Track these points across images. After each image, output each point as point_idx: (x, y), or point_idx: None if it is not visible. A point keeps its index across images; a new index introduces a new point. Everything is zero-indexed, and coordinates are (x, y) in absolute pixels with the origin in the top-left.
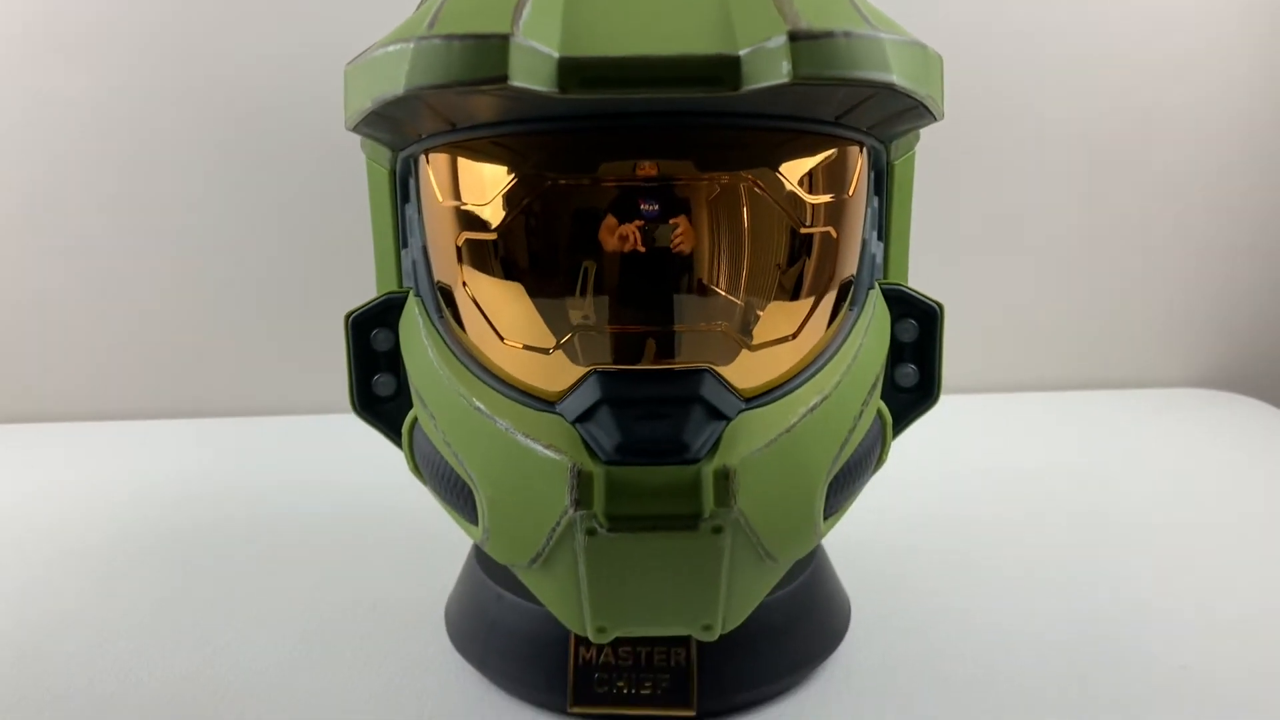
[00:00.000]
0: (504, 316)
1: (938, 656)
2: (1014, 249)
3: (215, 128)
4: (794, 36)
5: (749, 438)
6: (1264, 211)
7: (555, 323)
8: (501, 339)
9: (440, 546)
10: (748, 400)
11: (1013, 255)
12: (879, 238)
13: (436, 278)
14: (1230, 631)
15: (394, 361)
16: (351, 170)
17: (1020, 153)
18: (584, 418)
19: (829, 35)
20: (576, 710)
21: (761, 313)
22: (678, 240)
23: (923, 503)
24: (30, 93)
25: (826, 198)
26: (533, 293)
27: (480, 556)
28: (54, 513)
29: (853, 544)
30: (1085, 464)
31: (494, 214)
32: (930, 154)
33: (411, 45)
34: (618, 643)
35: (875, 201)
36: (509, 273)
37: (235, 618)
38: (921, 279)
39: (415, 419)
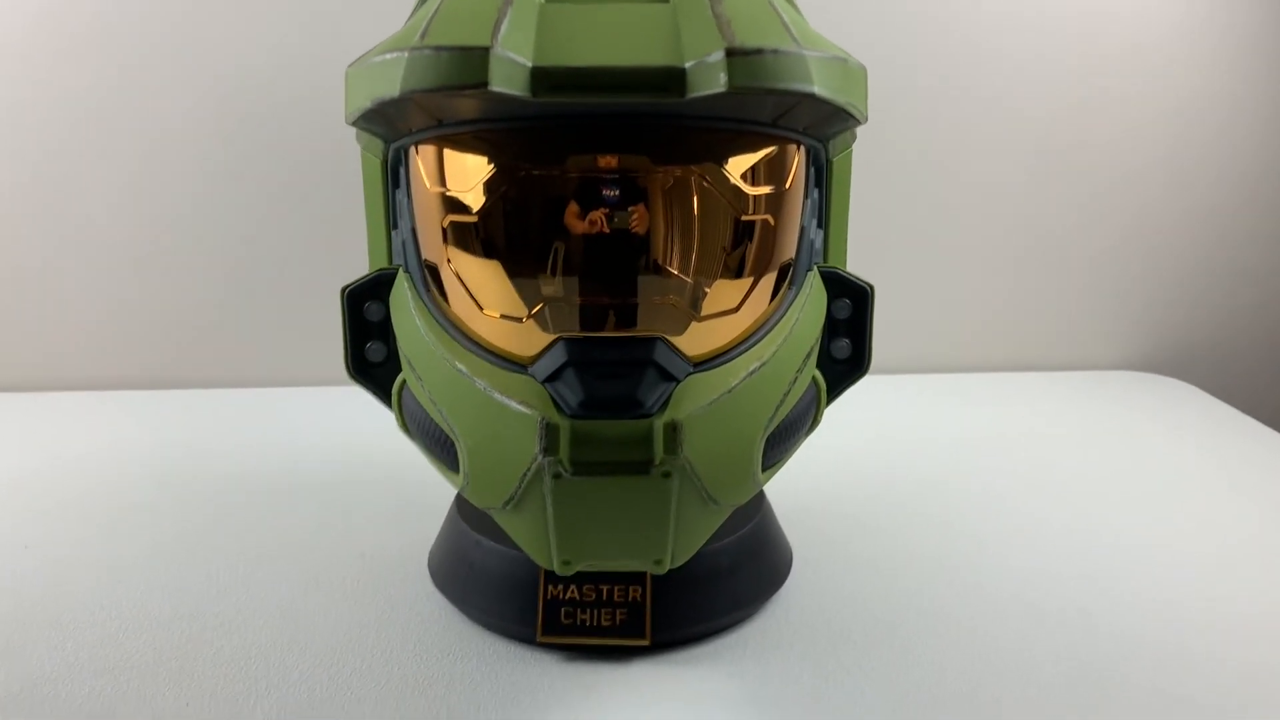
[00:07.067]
0: (483, 289)
1: (867, 600)
2: (956, 237)
3: (212, 111)
4: (730, 53)
5: (695, 396)
6: (1194, 204)
7: (527, 295)
8: (481, 309)
9: (421, 505)
10: (695, 364)
11: (955, 243)
12: (819, 226)
13: (424, 255)
14: (1142, 583)
15: (384, 331)
16: (344, 150)
17: (963, 145)
18: (552, 378)
19: (759, 52)
20: (545, 640)
21: (708, 289)
22: (633, 223)
23: (862, 472)
24: (34, 77)
25: (766, 189)
26: (508, 268)
27: (461, 507)
28: (73, 472)
29: (799, 506)
30: (1017, 437)
31: (475, 199)
32: (878, 147)
33: (406, 55)
34: (581, 580)
35: (815, 194)
36: (487, 250)
37: (239, 563)
38: (866, 264)
39: (404, 382)
